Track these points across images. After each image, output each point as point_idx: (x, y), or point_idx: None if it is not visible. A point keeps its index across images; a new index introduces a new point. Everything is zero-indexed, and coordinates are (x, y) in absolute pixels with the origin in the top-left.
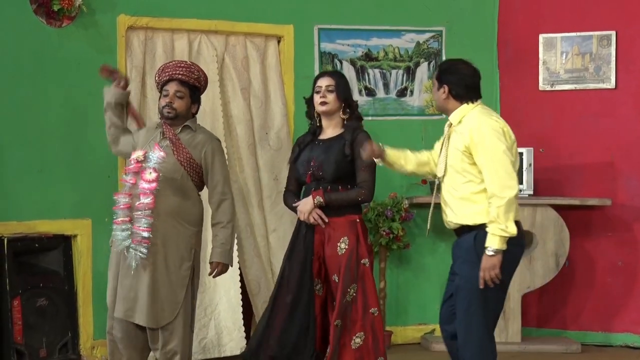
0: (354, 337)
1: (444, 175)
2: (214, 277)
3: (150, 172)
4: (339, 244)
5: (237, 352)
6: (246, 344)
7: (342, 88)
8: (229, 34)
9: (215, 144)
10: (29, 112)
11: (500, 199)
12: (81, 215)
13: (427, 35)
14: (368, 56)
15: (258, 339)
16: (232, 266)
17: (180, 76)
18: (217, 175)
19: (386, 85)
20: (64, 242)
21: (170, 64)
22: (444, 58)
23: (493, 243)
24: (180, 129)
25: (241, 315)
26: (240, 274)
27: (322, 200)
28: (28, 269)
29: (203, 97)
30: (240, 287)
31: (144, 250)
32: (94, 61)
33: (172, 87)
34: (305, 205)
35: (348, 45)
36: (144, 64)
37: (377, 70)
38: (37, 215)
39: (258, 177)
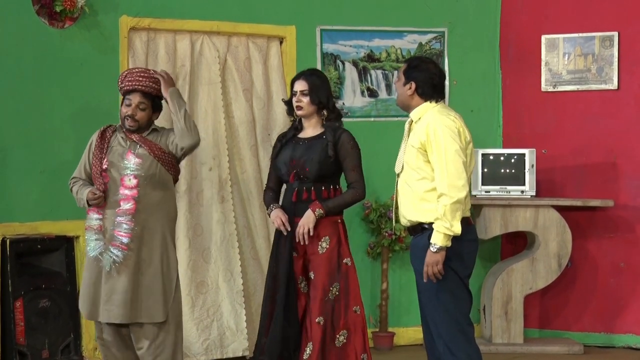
0: (338, 335)
1: (401, 171)
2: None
3: (130, 179)
4: (320, 243)
5: (240, 353)
6: (248, 345)
7: (315, 91)
8: (231, 35)
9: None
10: (31, 113)
11: (448, 198)
12: (83, 216)
13: (430, 36)
14: (370, 57)
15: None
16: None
17: (142, 88)
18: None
19: (388, 87)
20: (66, 243)
21: (134, 71)
22: (446, 59)
23: (437, 240)
24: (147, 133)
25: (244, 317)
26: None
27: (322, 212)
28: (30, 270)
29: (205, 97)
30: (243, 290)
31: (120, 255)
32: (96, 62)
33: (135, 98)
34: (308, 220)
35: (350, 46)
36: (147, 65)
37: (379, 71)
38: (39, 217)
39: (260, 178)
